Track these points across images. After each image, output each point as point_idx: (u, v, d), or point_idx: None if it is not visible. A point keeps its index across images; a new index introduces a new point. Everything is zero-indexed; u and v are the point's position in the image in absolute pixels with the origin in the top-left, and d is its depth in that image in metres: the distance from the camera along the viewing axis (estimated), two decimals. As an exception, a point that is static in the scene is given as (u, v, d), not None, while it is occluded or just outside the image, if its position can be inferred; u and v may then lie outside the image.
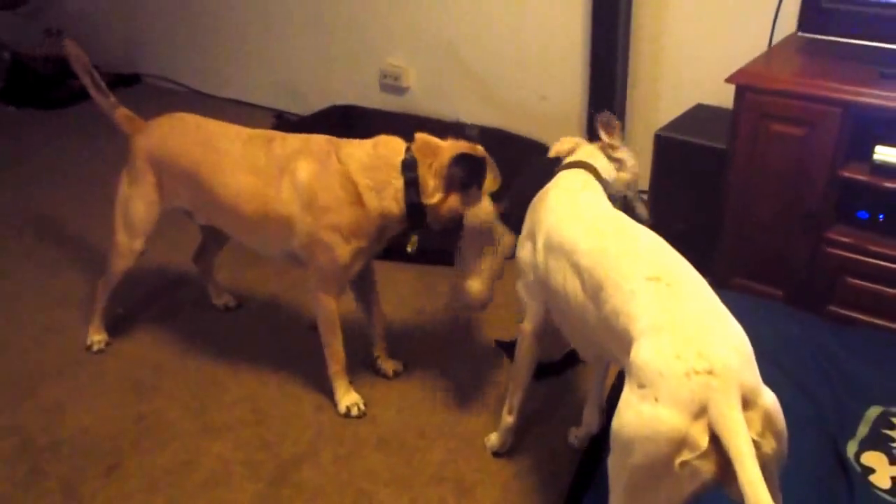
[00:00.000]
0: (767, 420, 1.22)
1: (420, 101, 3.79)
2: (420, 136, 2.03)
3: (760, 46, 2.68)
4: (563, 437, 2.14)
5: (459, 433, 2.19)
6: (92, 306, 2.56)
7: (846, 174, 2.31)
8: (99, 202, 3.10)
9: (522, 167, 3.16)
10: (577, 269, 1.57)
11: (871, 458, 1.83)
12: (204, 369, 2.47)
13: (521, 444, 2.14)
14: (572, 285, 1.58)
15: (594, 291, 1.49)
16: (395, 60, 3.82)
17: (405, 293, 2.78)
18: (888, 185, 2.25)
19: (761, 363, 1.32)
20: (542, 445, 2.13)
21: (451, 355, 2.49)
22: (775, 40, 2.67)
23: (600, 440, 1.92)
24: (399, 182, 1.98)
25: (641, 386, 1.25)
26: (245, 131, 2.22)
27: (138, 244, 2.38)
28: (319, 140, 2.09)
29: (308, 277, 2.17)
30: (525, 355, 1.94)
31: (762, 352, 1.65)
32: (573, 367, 2.41)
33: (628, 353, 1.32)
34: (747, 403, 1.21)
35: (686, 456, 1.19)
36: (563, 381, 2.37)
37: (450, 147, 1.99)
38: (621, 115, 3.15)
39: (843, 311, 2.39)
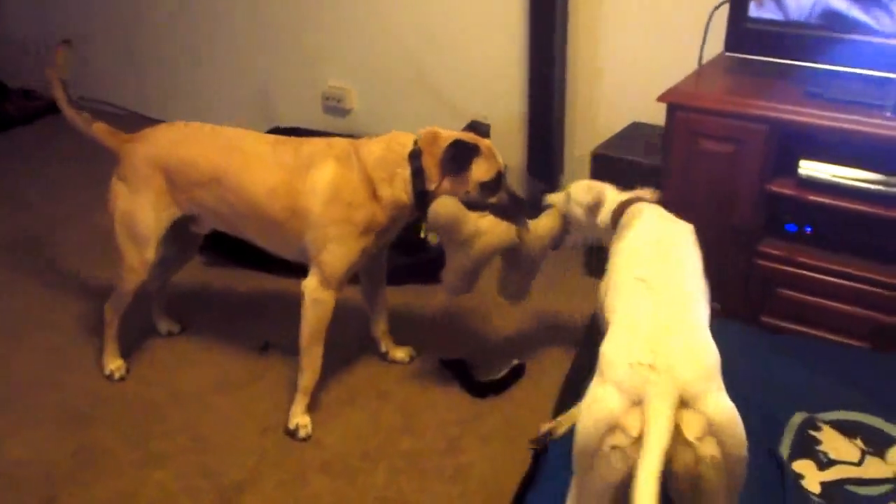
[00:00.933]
0: (711, 427, 1.27)
1: (364, 122, 3.80)
2: (427, 129, 2.15)
3: (692, 65, 2.76)
4: (506, 455, 2.15)
5: (403, 453, 2.19)
6: (104, 332, 2.49)
7: (774, 189, 2.38)
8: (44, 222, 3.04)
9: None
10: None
11: (800, 466, 1.88)
12: (144, 397, 2.43)
13: (465, 462, 2.16)
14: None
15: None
16: (337, 82, 3.83)
17: (351, 317, 2.77)
18: (813, 198, 2.34)
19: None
20: (486, 464, 2.15)
21: (393, 376, 2.49)
22: (705, 59, 2.76)
23: (541, 462, 1.93)
24: (406, 172, 2.10)
25: (599, 373, 1.35)
26: (267, 136, 2.38)
27: (150, 254, 2.34)
28: (342, 141, 2.23)
29: (309, 274, 2.22)
30: None
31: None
32: (517, 383, 2.43)
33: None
34: (685, 405, 1.26)
35: (618, 440, 1.26)
36: (507, 398, 2.39)
37: (449, 136, 2.10)
38: (560, 135, 3.20)
39: (775, 322, 2.45)
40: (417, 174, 2.10)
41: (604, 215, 2.10)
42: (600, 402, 1.30)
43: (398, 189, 2.12)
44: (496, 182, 2.12)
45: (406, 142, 2.15)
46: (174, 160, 2.28)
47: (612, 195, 2.14)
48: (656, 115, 2.57)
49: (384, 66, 3.67)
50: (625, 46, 3.09)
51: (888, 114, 2.24)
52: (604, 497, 1.31)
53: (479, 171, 2.10)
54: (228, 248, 2.95)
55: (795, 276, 2.40)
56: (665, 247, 1.76)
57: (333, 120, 3.87)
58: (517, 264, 2.24)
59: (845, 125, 2.25)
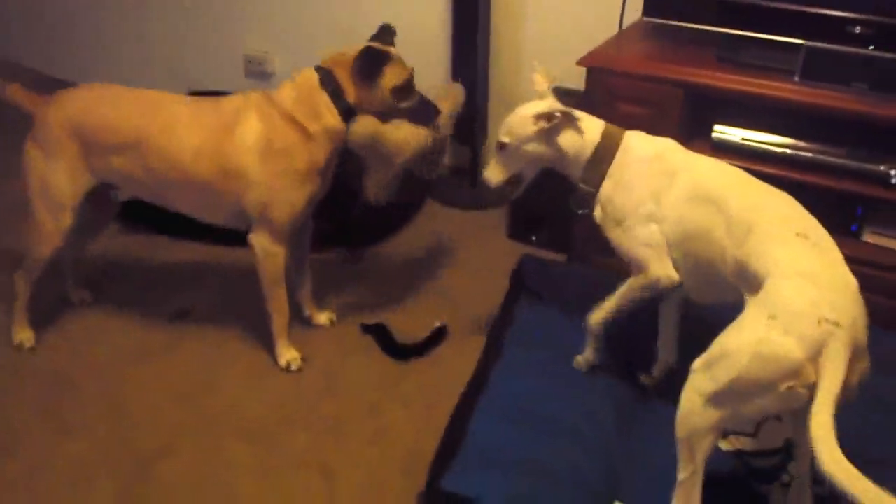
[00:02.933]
0: (863, 375, 1.47)
1: (286, 86, 3.73)
2: (329, 52, 2.16)
3: (612, 30, 2.79)
4: (427, 418, 2.16)
5: (324, 417, 2.19)
6: (14, 302, 2.40)
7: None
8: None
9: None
10: (726, 216, 1.70)
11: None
12: (56, 368, 2.37)
13: (386, 424, 2.16)
14: (717, 229, 1.72)
15: (741, 235, 1.65)
16: (260, 45, 3.74)
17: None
18: (725, 161, 2.39)
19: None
20: (406, 426, 2.16)
21: (315, 340, 2.48)
22: (625, 24, 2.79)
23: (463, 414, 1.95)
24: (325, 97, 2.10)
25: (773, 317, 1.44)
26: (184, 96, 2.31)
27: (66, 221, 2.26)
28: (254, 94, 2.19)
29: (256, 229, 2.21)
30: (642, 297, 1.93)
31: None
32: (439, 345, 2.45)
33: (757, 287, 1.53)
34: (855, 358, 1.42)
35: (793, 382, 1.41)
36: (429, 360, 2.40)
37: (355, 49, 2.11)
38: (485, 101, 3.20)
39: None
40: (336, 94, 2.10)
41: (576, 145, 1.93)
42: (782, 350, 1.40)
43: (326, 117, 2.11)
44: (408, 86, 2.14)
45: (310, 74, 2.14)
46: (90, 124, 2.20)
47: (587, 120, 1.96)
48: (579, 79, 2.58)
49: (306, 28, 3.60)
50: (547, 10, 3.10)
51: (796, 78, 2.30)
52: (755, 419, 1.54)
53: (392, 76, 2.11)
54: (144, 214, 2.87)
55: (709, 237, 2.47)
56: (784, 199, 1.77)
57: (256, 84, 3.77)
58: (420, 163, 2.26)
59: (755, 90, 2.31)
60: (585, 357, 2.10)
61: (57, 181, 2.23)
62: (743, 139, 2.38)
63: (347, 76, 2.10)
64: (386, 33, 2.24)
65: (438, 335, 2.46)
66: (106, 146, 2.20)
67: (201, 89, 3.64)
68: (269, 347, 2.39)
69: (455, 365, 2.35)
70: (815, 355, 1.40)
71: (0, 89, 2.27)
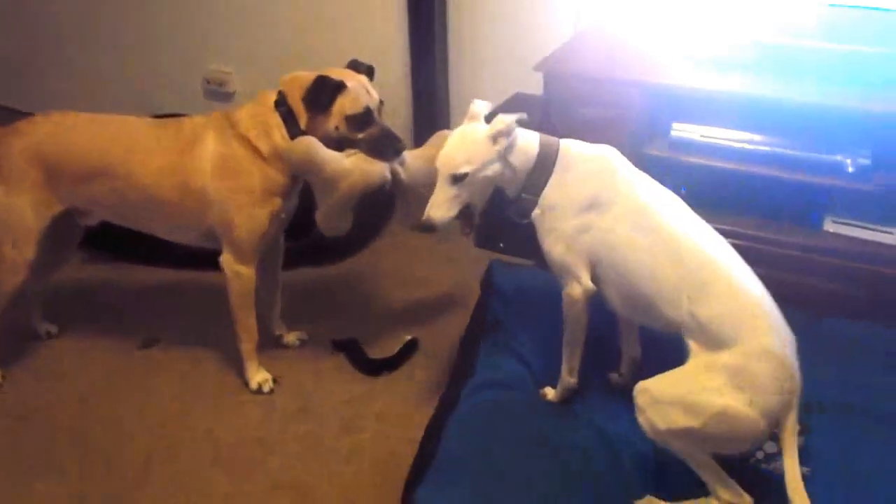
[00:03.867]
0: None
1: (247, 105, 3.71)
2: (289, 74, 2.14)
3: (569, 33, 2.80)
4: (401, 432, 2.15)
5: (298, 437, 2.17)
6: None
7: (649, 152, 2.45)
8: None
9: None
10: (676, 260, 1.73)
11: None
12: (22, 404, 2.32)
13: (360, 441, 2.15)
14: (663, 268, 1.74)
15: (696, 289, 1.69)
16: (219, 66, 3.71)
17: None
18: (685, 158, 2.41)
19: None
20: (381, 443, 2.14)
21: (286, 360, 2.45)
22: (580, 26, 2.80)
23: (437, 429, 1.94)
24: (277, 120, 2.09)
25: (740, 389, 1.58)
26: (146, 119, 2.32)
27: (29, 252, 2.23)
28: (216, 114, 2.20)
29: (224, 251, 2.20)
30: (579, 317, 1.91)
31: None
32: (410, 358, 2.43)
33: (712, 342, 1.65)
34: None
35: (749, 445, 1.66)
36: (401, 374, 2.39)
37: (310, 75, 2.08)
38: (445, 108, 3.20)
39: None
40: (287, 118, 2.09)
41: (524, 158, 1.86)
42: (748, 421, 1.58)
43: (275, 138, 2.09)
44: (365, 117, 2.08)
45: (269, 95, 2.14)
46: (54, 153, 2.19)
47: (523, 131, 1.89)
48: (538, 84, 2.59)
49: (266, 48, 3.58)
50: (504, 16, 3.10)
51: (750, 73, 2.33)
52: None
53: (345, 104, 2.06)
54: (108, 242, 2.83)
55: (673, 235, 2.48)
56: (733, 255, 1.80)
57: (216, 105, 3.74)
58: (403, 198, 2.19)
59: (711, 86, 2.33)
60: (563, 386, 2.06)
61: (19, 213, 2.20)
62: (702, 136, 2.40)
63: (299, 102, 2.08)
64: (359, 66, 2.21)
65: (409, 348, 2.45)
66: (71, 173, 2.19)
67: (163, 112, 3.62)
68: (240, 371, 2.36)
69: (427, 377, 2.34)
70: (775, 423, 1.60)
71: None
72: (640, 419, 1.66)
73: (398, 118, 3.37)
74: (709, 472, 1.65)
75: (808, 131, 2.33)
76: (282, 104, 2.10)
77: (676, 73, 2.38)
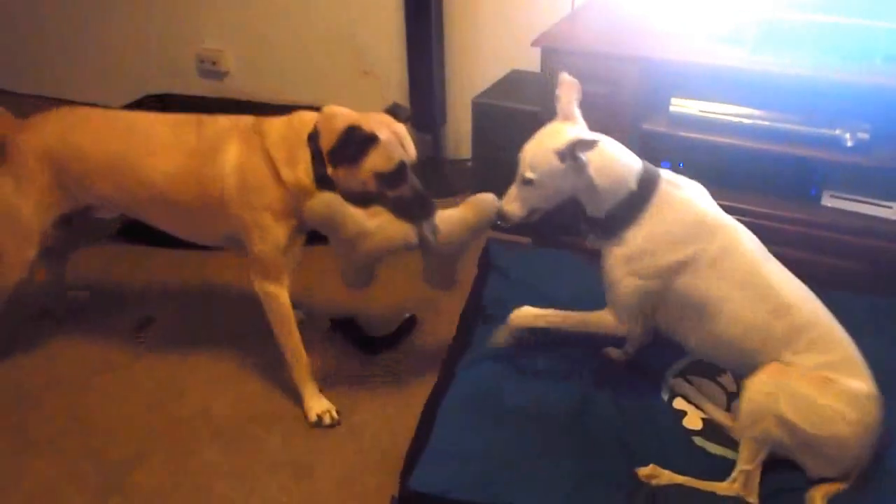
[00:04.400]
0: None
1: (241, 84, 3.67)
2: (329, 107, 1.99)
3: (566, 8, 2.78)
4: (401, 411, 2.14)
5: (296, 416, 2.16)
6: None
7: (648, 127, 2.44)
8: None
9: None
10: (780, 313, 1.73)
11: (681, 403, 1.97)
12: (19, 383, 2.31)
13: (359, 420, 2.14)
14: (766, 326, 1.73)
15: (804, 341, 1.71)
16: (212, 44, 3.68)
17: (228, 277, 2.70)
18: (685, 134, 2.40)
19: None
20: (380, 421, 2.14)
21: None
22: (578, 2, 2.78)
23: (433, 408, 1.93)
24: (306, 154, 1.95)
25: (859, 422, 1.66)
26: (166, 116, 2.16)
27: (31, 252, 2.17)
28: (246, 119, 2.05)
29: (250, 270, 2.08)
30: (598, 331, 1.93)
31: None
32: (409, 336, 2.43)
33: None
34: None
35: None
36: (400, 352, 2.38)
37: (347, 119, 1.91)
38: (441, 85, 3.17)
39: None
40: (317, 157, 1.93)
41: (608, 180, 1.78)
42: (852, 455, 1.67)
43: (300, 172, 1.95)
44: (397, 175, 1.89)
45: (308, 120, 1.98)
46: (65, 151, 2.11)
47: (621, 153, 1.83)
48: (535, 61, 2.57)
49: (259, 25, 3.55)
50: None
51: (749, 47, 2.31)
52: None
53: (376, 161, 1.88)
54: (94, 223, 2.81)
55: (672, 211, 2.47)
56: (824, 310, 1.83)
57: (209, 83, 3.72)
58: (429, 257, 2.06)
59: (710, 61, 2.31)
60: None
61: (24, 213, 2.14)
62: (700, 111, 2.39)
63: (328, 144, 1.91)
64: (398, 111, 2.03)
65: (408, 326, 2.44)
66: (81, 172, 2.11)
67: (156, 91, 3.59)
68: (239, 345, 2.34)
69: (426, 354, 2.33)
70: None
71: None
72: (759, 395, 1.66)
73: (392, 91, 3.35)
74: (753, 465, 1.67)
75: (806, 105, 2.32)
76: (314, 140, 1.95)
77: (675, 47, 2.36)
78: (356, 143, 1.86)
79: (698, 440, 1.85)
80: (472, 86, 3.10)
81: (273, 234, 2.01)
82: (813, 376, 1.67)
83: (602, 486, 1.69)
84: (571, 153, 1.73)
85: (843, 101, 2.29)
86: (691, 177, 2.45)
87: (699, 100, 2.39)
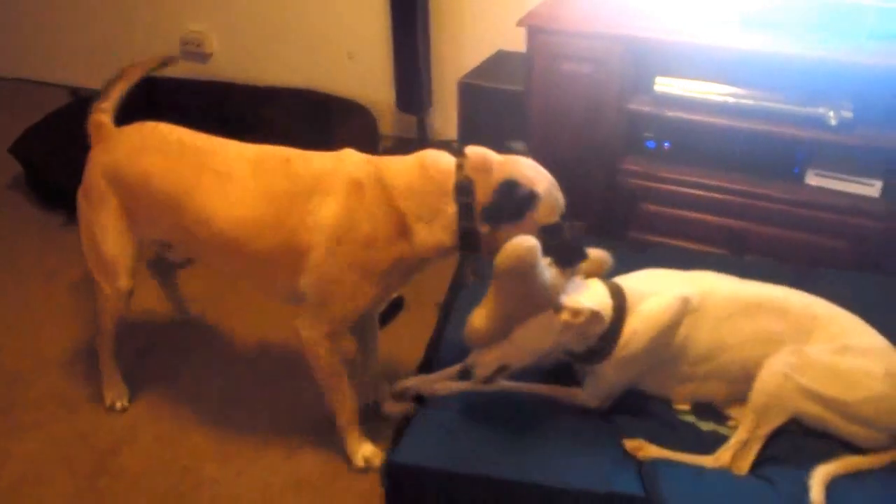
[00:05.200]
0: None
1: (225, 67, 3.65)
2: (474, 152, 1.70)
3: (551, -11, 2.76)
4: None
5: (284, 399, 2.17)
6: (102, 368, 2.14)
7: (632, 107, 2.44)
8: None
9: (336, 127, 3.13)
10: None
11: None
12: (5, 366, 2.30)
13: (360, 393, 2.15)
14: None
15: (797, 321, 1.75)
16: (196, 26, 3.65)
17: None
18: (669, 113, 2.41)
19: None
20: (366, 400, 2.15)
21: (269, 324, 2.44)
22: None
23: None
24: (452, 208, 1.67)
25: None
26: (247, 148, 1.84)
27: (124, 284, 1.95)
28: (355, 158, 1.75)
29: (304, 316, 1.80)
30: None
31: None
32: (396, 316, 2.43)
33: None
34: None
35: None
36: (387, 333, 2.38)
37: (502, 167, 1.67)
38: (427, 66, 3.16)
39: (641, 236, 2.54)
40: (466, 211, 1.66)
41: (596, 329, 1.74)
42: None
43: (439, 230, 1.68)
44: (557, 227, 1.68)
45: (446, 167, 1.68)
46: (130, 175, 1.85)
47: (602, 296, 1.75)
48: (520, 41, 2.56)
49: (243, 6, 3.52)
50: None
51: (734, 26, 2.32)
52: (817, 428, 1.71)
53: (539, 216, 1.66)
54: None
55: (657, 190, 2.49)
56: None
57: (194, 66, 3.69)
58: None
59: (695, 39, 2.32)
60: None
61: (105, 239, 1.92)
62: (685, 90, 2.40)
63: (483, 201, 1.65)
64: (521, 149, 1.76)
65: (395, 308, 2.44)
66: (148, 202, 1.85)
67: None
68: (225, 328, 2.34)
69: (413, 335, 2.34)
70: None
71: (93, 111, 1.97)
72: (775, 375, 1.67)
73: (378, 72, 3.34)
74: (751, 435, 1.68)
75: (791, 84, 2.33)
76: (464, 192, 1.65)
77: (659, 27, 2.36)
78: (517, 200, 1.63)
79: (688, 417, 1.86)
80: (458, 67, 3.09)
81: (364, 294, 1.74)
82: (827, 347, 1.69)
83: (589, 459, 1.70)
84: (580, 330, 1.69)
85: (827, 80, 2.29)
86: (678, 156, 2.49)
87: (684, 79, 2.40)
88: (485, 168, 1.67)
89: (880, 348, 1.71)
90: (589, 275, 1.79)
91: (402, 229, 1.69)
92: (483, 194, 1.65)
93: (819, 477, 1.60)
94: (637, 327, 1.75)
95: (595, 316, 1.67)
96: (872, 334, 1.74)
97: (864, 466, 1.65)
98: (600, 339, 1.74)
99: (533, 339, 1.68)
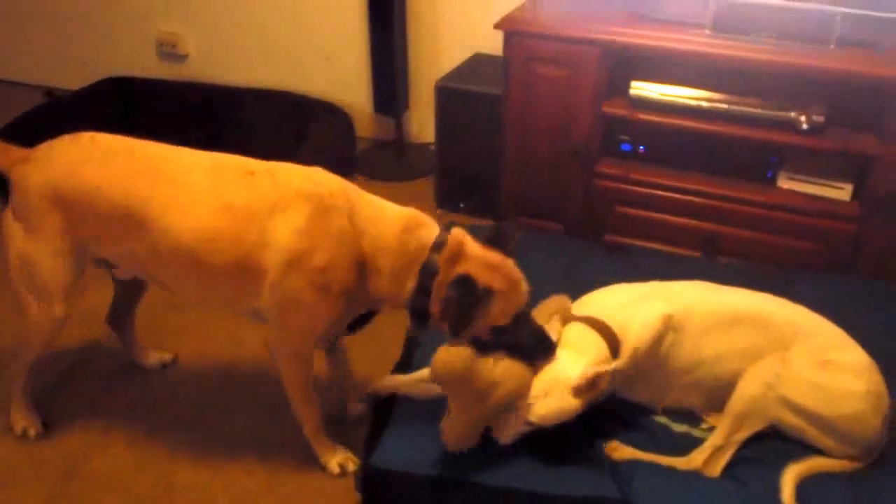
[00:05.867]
0: None
1: (202, 68, 3.63)
2: (455, 235, 1.66)
3: (527, -8, 2.78)
4: (363, 393, 2.15)
5: (260, 401, 2.15)
6: (10, 393, 2.04)
7: (608, 110, 2.46)
8: None
9: (312, 129, 3.12)
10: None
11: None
12: None
13: (325, 400, 2.14)
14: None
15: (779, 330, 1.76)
16: (171, 27, 3.62)
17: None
18: (644, 117, 2.43)
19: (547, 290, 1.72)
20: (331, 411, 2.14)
21: (248, 325, 2.40)
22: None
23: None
24: (411, 283, 1.66)
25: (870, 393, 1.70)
26: (205, 156, 1.77)
27: (59, 310, 1.84)
28: (331, 184, 1.70)
29: (268, 336, 1.79)
30: None
31: (548, 281, 1.80)
32: (365, 325, 2.42)
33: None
34: None
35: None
36: (363, 335, 2.36)
37: (468, 261, 1.63)
38: (403, 69, 3.17)
39: (617, 239, 2.56)
40: (421, 292, 1.65)
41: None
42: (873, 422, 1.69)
43: (393, 292, 1.68)
44: (514, 326, 1.63)
45: (426, 241, 1.66)
46: (73, 190, 1.74)
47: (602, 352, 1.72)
48: (497, 45, 2.57)
49: (219, 8, 3.50)
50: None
51: (707, 31, 2.34)
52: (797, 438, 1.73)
53: (492, 313, 1.61)
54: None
55: (632, 193, 2.51)
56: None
57: (170, 67, 3.67)
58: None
59: (669, 44, 2.34)
60: None
61: (41, 263, 1.80)
62: (660, 94, 2.42)
63: (441, 287, 1.62)
64: (507, 234, 1.70)
65: (364, 316, 2.43)
66: (93, 218, 1.75)
67: (115, 75, 3.53)
68: (201, 332, 2.32)
69: (389, 336, 2.33)
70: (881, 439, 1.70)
71: None
72: (757, 384, 1.69)
73: (355, 75, 3.34)
74: (726, 441, 1.70)
75: (764, 89, 2.36)
76: (428, 274, 1.63)
77: (636, 31, 2.38)
78: (471, 300, 1.58)
79: (662, 419, 1.88)
80: (435, 69, 3.10)
81: (321, 313, 1.70)
82: (810, 360, 1.70)
83: (566, 463, 1.71)
84: (592, 384, 1.63)
85: (799, 85, 2.33)
86: (653, 160, 2.51)
87: (659, 83, 2.42)
88: (454, 260, 1.63)
89: (862, 365, 1.72)
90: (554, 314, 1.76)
91: (361, 269, 1.67)
92: (442, 283, 1.62)
93: (789, 477, 1.62)
94: (628, 348, 1.74)
95: (608, 374, 1.63)
96: (855, 349, 1.75)
97: (835, 469, 1.67)
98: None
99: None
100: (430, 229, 1.69)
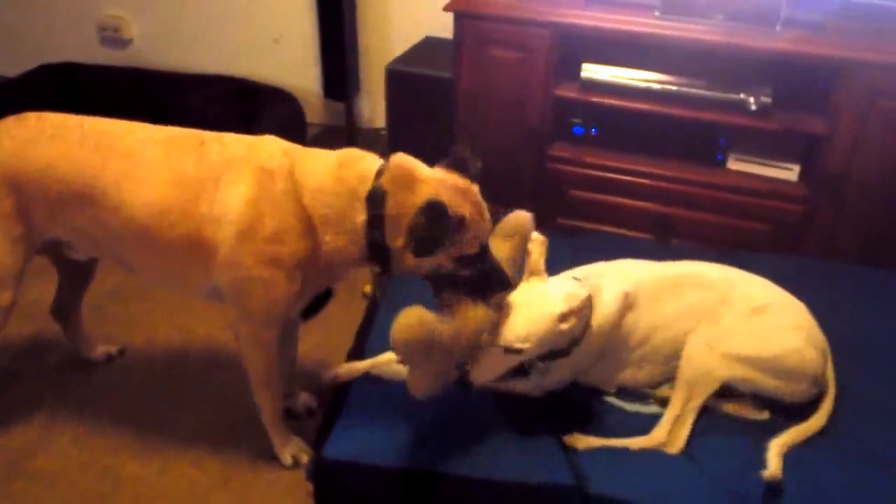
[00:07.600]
0: None
1: (146, 53, 3.53)
2: (398, 161, 1.58)
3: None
4: (314, 381, 2.11)
5: (211, 392, 2.11)
6: None
7: (559, 93, 2.45)
8: None
9: (261, 115, 3.06)
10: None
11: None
12: None
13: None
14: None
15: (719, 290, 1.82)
16: (113, 10, 3.51)
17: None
18: (595, 99, 2.43)
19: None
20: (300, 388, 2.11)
21: (197, 311, 2.38)
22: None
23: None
24: (361, 217, 1.57)
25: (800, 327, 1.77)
26: (158, 130, 1.72)
27: (4, 296, 1.79)
28: (271, 147, 1.65)
29: (232, 318, 1.75)
30: None
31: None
32: (326, 306, 2.39)
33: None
34: None
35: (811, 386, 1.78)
36: (316, 323, 2.34)
37: (429, 184, 1.54)
38: (354, 52, 3.12)
39: (570, 222, 2.56)
40: (375, 223, 1.55)
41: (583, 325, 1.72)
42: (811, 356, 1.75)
43: (344, 235, 1.59)
44: (479, 256, 1.57)
45: (366, 172, 1.58)
46: (26, 170, 1.69)
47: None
48: (449, 27, 2.55)
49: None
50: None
51: (657, 13, 2.34)
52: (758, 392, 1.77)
53: (461, 246, 1.54)
54: None
55: (584, 176, 2.51)
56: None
57: (112, 52, 3.56)
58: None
59: (620, 26, 2.34)
60: None
61: None
62: (611, 76, 2.42)
63: (401, 222, 1.54)
64: (468, 160, 1.61)
65: (324, 296, 2.40)
66: (47, 197, 1.71)
67: (54, 61, 3.42)
68: (148, 320, 2.27)
69: (343, 324, 2.31)
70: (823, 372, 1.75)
71: None
72: (698, 348, 1.74)
73: (305, 59, 3.28)
74: (682, 410, 1.72)
75: (713, 71, 2.37)
76: (375, 203, 1.54)
77: (587, 13, 2.38)
78: (443, 226, 1.50)
79: (612, 399, 1.88)
80: (385, 53, 3.06)
81: (276, 292, 1.65)
82: (742, 310, 1.76)
83: (520, 450, 1.70)
84: (577, 312, 1.61)
85: (748, 66, 2.35)
86: (605, 142, 2.51)
87: (610, 65, 2.42)
88: (406, 183, 1.54)
89: (790, 304, 1.80)
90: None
91: (309, 229, 1.60)
92: (396, 209, 1.54)
93: (775, 450, 1.64)
94: (594, 326, 1.74)
95: (589, 300, 1.66)
96: (781, 293, 1.81)
97: (812, 430, 1.72)
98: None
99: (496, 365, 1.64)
100: (369, 161, 1.62)
